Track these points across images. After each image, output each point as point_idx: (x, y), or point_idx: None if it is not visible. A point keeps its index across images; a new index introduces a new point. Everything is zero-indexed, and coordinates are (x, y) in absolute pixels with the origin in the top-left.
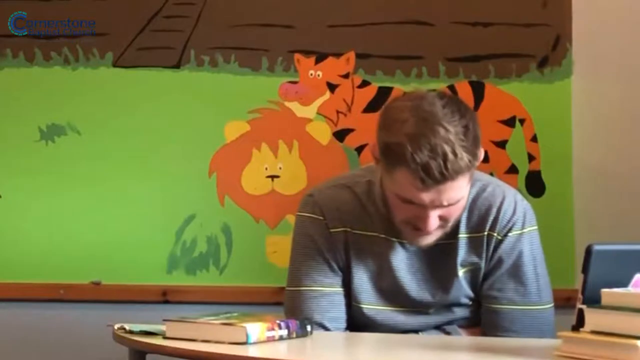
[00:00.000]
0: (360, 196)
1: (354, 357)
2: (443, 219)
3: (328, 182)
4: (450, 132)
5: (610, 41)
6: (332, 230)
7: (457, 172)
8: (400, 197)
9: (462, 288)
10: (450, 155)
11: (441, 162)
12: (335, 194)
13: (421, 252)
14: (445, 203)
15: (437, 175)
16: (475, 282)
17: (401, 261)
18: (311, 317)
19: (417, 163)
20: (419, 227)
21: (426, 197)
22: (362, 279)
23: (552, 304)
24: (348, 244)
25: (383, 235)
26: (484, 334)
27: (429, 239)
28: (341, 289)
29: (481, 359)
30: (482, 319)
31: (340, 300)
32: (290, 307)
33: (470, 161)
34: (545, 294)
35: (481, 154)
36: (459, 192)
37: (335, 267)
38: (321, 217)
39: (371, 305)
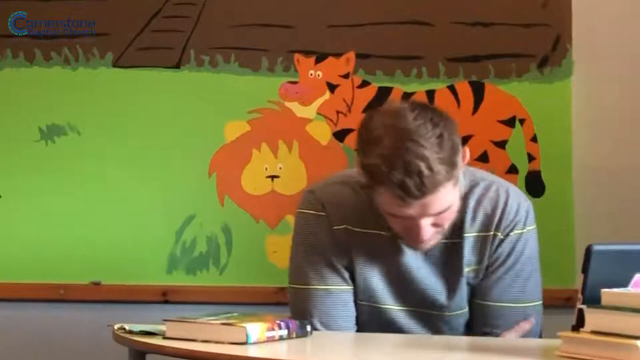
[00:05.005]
0: (361, 193)
1: (354, 357)
2: (437, 225)
3: (328, 179)
4: (424, 146)
5: (610, 41)
6: (334, 227)
7: (436, 186)
8: (387, 213)
9: (466, 288)
10: (426, 171)
11: (417, 179)
12: (336, 191)
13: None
14: (433, 212)
15: (415, 192)
16: (475, 281)
17: (407, 259)
18: (318, 316)
19: (393, 183)
20: (414, 237)
21: (411, 211)
22: (366, 277)
23: (540, 301)
24: (349, 242)
25: (385, 233)
26: (472, 327)
27: (428, 244)
28: (347, 287)
29: (481, 359)
30: (471, 313)
31: (348, 298)
32: (295, 305)
33: (447, 171)
34: (536, 291)
35: (463, 158)
36: (445, 200)
37: (339, 264)
38: (323, 214)
39: (380, 303)
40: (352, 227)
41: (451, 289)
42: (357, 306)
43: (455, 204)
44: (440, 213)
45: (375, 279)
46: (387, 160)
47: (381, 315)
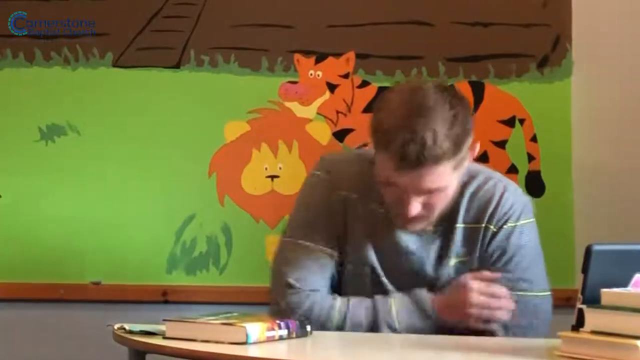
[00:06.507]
0: (368, 173)
1: (354, 357)
2: (426, 207)
3: (343, 153)
4: (436, 121)
5: (610, 41)
6: (336, 192)
7: (435, 159)
8: (382, 178)
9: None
10: (430, 142)
11: (419, 148)
12: (345, 162)
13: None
14: (424, 188)
15: (413, 159)
16: (465, 272)
17: (400, 238)
18: (295, 266)
19: (396, 146)
20: (402, 212)
21: (404, 179)
22: (360, 247)
23: (547, 292)
24: (347, 211)
25: (382, 210)
26: None
27: (415, 226)
28: (330, 251)
29: (480, 359)
30: None
31: (327, 262)
32: (277, 255)
33: (451, 149)
34: (539, 282)
35: (472, 149)
36: (439, 179)
37: (331, 230)
38: (327, 178)
39: (371, 273)
40: (353, 198)
41: (438, 277)
42: (349, 274)
43: (450, 190)
44: (432, 192)
45: (368, 250)
46: (396, 126)
47: (373, 285)
